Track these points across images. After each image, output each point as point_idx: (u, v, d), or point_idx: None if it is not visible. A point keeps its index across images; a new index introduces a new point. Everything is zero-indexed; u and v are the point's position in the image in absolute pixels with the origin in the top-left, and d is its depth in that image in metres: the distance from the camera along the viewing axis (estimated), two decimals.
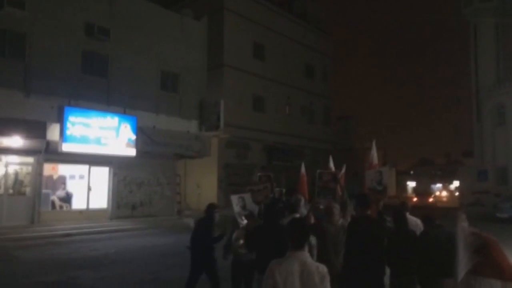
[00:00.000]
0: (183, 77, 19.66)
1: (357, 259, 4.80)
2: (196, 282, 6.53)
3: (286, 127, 28.93)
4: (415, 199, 42.44)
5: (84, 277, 8.88)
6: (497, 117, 30.10)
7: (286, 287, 2.98)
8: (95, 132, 15.76)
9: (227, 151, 25.06)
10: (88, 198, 16.83)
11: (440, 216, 5.45)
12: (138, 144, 16.90)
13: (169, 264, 10.37)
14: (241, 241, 5.89)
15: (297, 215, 6.62)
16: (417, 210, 7.43)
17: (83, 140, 15.43)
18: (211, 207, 6.71)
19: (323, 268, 3.08)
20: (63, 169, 17.27)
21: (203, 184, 25.01)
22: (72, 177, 17.38)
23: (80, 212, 16.48)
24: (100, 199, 17.23)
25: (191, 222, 18.27)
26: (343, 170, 9.85)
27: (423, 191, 58.00)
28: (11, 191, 14.98)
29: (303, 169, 10.75)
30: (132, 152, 16.79)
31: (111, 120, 16.24)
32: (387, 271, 5.13)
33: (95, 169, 17.12)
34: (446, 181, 74.35)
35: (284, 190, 9.82)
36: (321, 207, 7.77)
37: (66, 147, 14.98)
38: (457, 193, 68.32)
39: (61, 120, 14.89)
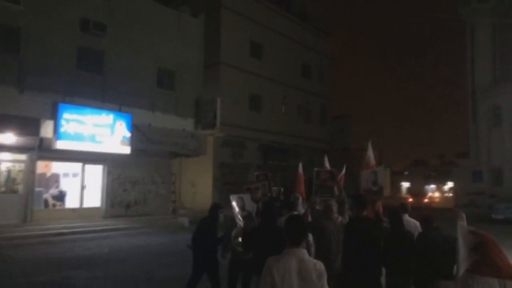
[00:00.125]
0: (180, 75, 19.49)
1: (354, 260, 4.82)
2: (198, 282, 6.47)
3: (282, 126, 28.82)
4: (410, 199, 42.54)
5: (78, 277, 8.76)
6: (492, 118, 30.19)
7: (283, 284, 2.96)
8: (90, 129, 15.55)
9: (223, 150, 24.92)
10: (81, 197, 16.64)
11: (435, 217, 5.40)
12: (133, 142, 16.71)
13: (164, 264, 10.28)
14: (240, 239, 5.88)
15: (295, 213, 6.45)
16: (412, 211, 7.38)
17: (77, 137, 15.21)
18: (216, 207, 6.68)
19: (320, 265, 3.07)
20: (57, 167, 17.09)
21: (198, 183, 24.86)
22: (66, 175, 17.20)
23: (74, 210, 16.28)
24: (94, 198, 17.03)
25: (185, 221, 18.22)
26: (343, 171, 9.81)
27: (417, 191, 58.24)
28: (3, 188, 14.76)
29: (300, 169, 10.72)
30: (127, 150, 16.59)
31: (106, 118, 16.04)
32: (383, 271, 5.17)
33: (89, 167, 16.92)
34: (440, 182, 74.81)
35: (282, 189, 9.74)
36: (318, 207, 7.77)
37: (60, 145, 14.76)
38: (450, 194, 68.86)
39: (55, 117, 14.67)
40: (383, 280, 5.18)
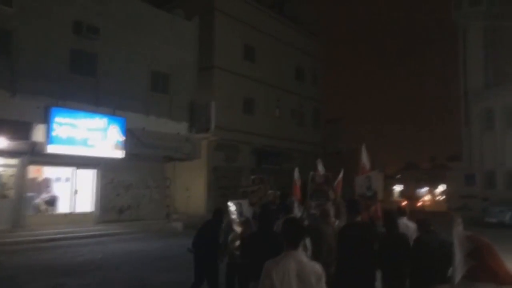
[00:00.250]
0: (174, 78, 19.35)
1: (348, 265, 4.86)
2: (200, 287, 6.43)
3: (275, 129, 28.78)
4: (404, 203, 42.70)
5: (70, 284, 8.62)
6: (485, 121, 30.36)
7: (283, 287, 2.96)
8: (83, 133, 15.36)
9: (216, 153, 24.81)
10: (74, 202, 16.42)
11: (431, 221, 5.43)
12: (127, 146, 16.54)
13: (158, 269, 10.17)
14: (237, 243, 5.90)
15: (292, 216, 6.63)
16: (409, 214, 7.40)
17: (70, 141, 15.01)
18: (220, 211, 6.72)
19: (319, 268, 3.08)
20: (49, 172, 16.86)
21: (191, 188, 24.72)
22: (58, 179, 16.98)
23: (66, 215, 16.05)
24: (86, 203, 16.82)
25: (179, 226, 18.07)
26: (341, 175, 9.79)
27: (410, 195, 58.48)
28: None
29: (296, 174, 10.66)
30: (120, 154, 16.42)
31: (99, 121, 15.86)
32: (379, 275, 5.21)
33: (82, 172, 16.71)
34: (432, 185, 75.19)
35: (278, 193, 9.70)
36: (313, 211, 7.77)
37: (52, 149, 14.55)
38: (442, 197, 69.24)
39: (47, 121, 14.47)
40: (378, 284, 5.19)
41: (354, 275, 4.81)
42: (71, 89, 15.44)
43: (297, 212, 7.62)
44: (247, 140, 26.69)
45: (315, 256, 5.45)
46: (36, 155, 14.64)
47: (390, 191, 65.41)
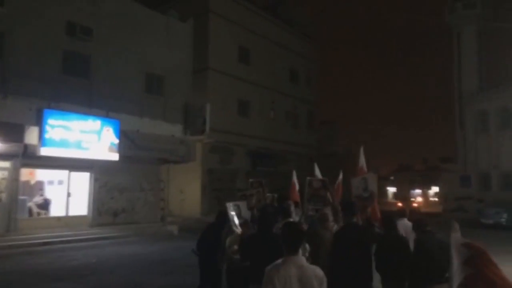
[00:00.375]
0: (168, 80, 19.18)
1: (343, 266, 4.84)
2: None
3: (270, 132, 28.72)
4: (399, 204, 42.81)
5: None
6: (479, 123, 30.53)
7: None
8: (76, 135, 15.13)
9: (211, 156, 24.70)
10: (67, 205, 16.17)
11: (427, 221, 5.42)
12: (121, 148, 16.33)
13: (154, 273, 10.03)
14: (235, 247, 5.87)
15: (291, 220, 6.59)
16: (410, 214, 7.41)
17: (63, 144, 14.78)
18: (224, 214, 6.68)
19: (319, 272, 3.09)
20: (41, 174, 16.63)
21: (186, 190, 24.58)
22: (51, 182, 16.75)
23: (59, 219, 15.80)
24: (80, 206, 16.57)
25: (175, 229, 17.91)
26: (340, 177, 9.81)
27: (404, 196, 58.68)
28: None
29: (294, 177, 10.69)
30: (114, 156, 16.19)
31: (93, 124, 15.65)
32: (377, 276, 5.21)
33: (75, 174, 16.48)
34: (425, 186, 75.60)
35: (276, 196, 9.65)
36: (311, 213, 7.78)
37: (45, 151, 14.31)
38: (436, 199, 69.55)
39: (40, 123, 14.23)
40: (378, 285, 5.22)
41: (350, 277, 4.78)
42: (64, 90, 15.23)
43: (294, 215, 7.60)
44: (242, 142, 26.61)
45: (314, 261, 5.38)
46: (29, 157, 14.40)
47: (384, 193, 65.69)
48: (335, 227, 6.31)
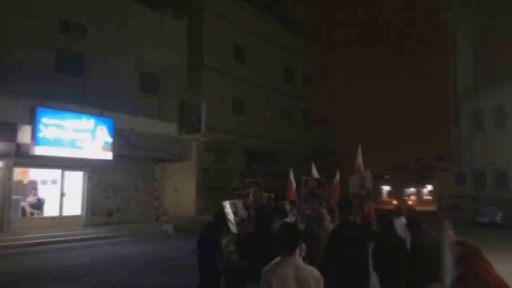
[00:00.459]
0: (163, 78, 19.02)
1: (340, 265, 4.82)
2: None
3: (266, 131, 28.64)
4: (394, 202, 43.07)
5: None
6: (474, 122, 30.63)
7: None
8: (70, 134, 14.94)
9: (206, 155, 24.59)
10: (61, 204, 15.96)
11: (422, 220, 5.35)
12: (115, 147, 16.15)
13: (150, 273, 9.93)
14: (232, 247, 5.89)
15: (287, 220, 6.72)
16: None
17: (57, 143, 14.59)
18: (222, 213, 6.65)
19: (316, 272, 3.10)
20: (35, 174, 16.43)
21: (181, 189, 24.47)
22: (44, 182, 16.55)
23: (53, 219, 15.61)
24: (74, 205, 16.38)
25: (170, 228, 17.80)
26: (337, 177, 9.81)
27: (399, 194, 58.96)
28: None
29: (291, 176, 10.69)
30: (108, 155, 16.01)
31: (86, 122, 15.46)
32: (375, 275, 5.23)
33: (69, 174, 16.29)
34: (420, 185, 75.93)
35: (273, 196, 9.66)
36: (308, 212, 7.81)
37: (38, 150, 14.12)
38: (429, 197, 69.92)
39: (33, 121, 14.02)
40: (376, 283, 5.25)
41: (347, 275, 4.77)
42: (58, 89, 15.03)
43: (290, 215, 7.62)
44: (237, 141, 26.52)
45: (310, 260, 5.45)
46: (22, 157, 14.22)
47: (378, 191, 65.94)
48: (331, 226, 6.33)
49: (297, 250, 3.30)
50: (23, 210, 15.38)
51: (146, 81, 18.43)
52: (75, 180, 16.49)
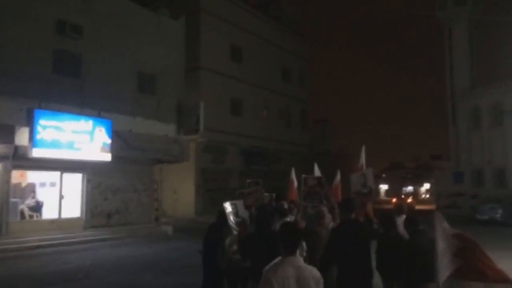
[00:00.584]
0: (161, 79, 18.91)
1: (342, 263, 4.82)
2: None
3: (263, 131, 28.58)
4: (394, 200, 43.19)
5: None
6: (472, 120, 30.69)
7: None
8: (68, 136, 14.82)
9: (204, 155, 24.53)
10: (60, 207, 15.82)
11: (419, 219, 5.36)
12: (113, 148, 16.04)
13: (150, 276, 9.85)
14: (235, 247, 5.92)
15: (287, 219, 6.73)
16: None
17: (55, 144, 14.47)
18: (224, 213, 6.64)
19: (316, 272, 3.11)
20: (33, 176, 16.27)
21: (179, 190, 24.39)
22: (43, 184, 16.41)
23: (52, 221, 15.48)
24: (73, 208, 16.25)
25: (169, 229, 17.70)
26: (338, 177, 9.80)
27: (398, 193, 59.18)
28: None
29: (293, 175, 10.67)
30: (107, 157, 15.91)
31: (84, 124, 15.35)
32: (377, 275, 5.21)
33: (68, 176, 16.15)
34: (417, 184, 76.21)
35: (274, 196, 9.63)
36: (310, 211, 7.82)
37: (36, 153, 13.99)
38: (427, 196, 70.08)
39: (30, 123, 13.89)
40: (379, 282, 5.22)
41: (349, 273, 4.74)
42: (55, 90, 14.90)
43: (290, 215, 7.65)
44: (235, 142, 26.46)
45: (310, 259, 5.48)
46: (20, 159, 14.09)
47: (376, 190, 66.27)
48: (331, 224, 6.35)
49: (298, 250, 3.29)
50: (22, 213, 15.24)
51: (144, 81, 18.32)
52: (74, 182, 16.37)
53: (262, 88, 28.98)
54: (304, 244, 5.81)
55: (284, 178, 10.80)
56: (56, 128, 14.48)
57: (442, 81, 33.89)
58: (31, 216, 15.43)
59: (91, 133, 15.47)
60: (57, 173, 15.83)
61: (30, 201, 15.58)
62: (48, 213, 15.72)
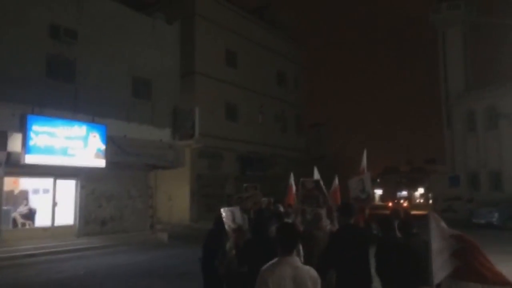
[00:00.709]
0: (156, 84, 18.75)
1: (341, 268, 4.79)
2: None
3: (259, 136, 28.48)
4: (390, 204, 43.28)
5: None
6: (467, 123, 30.77)
7: None
8: (61, 142, 14.58)
9: (200, 161, 24.34)
10: (53, 214, 15.55)
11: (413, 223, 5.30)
12: (108, 154, 15.81)
13: (146, 284, 9.63)
14: (234, 252, 5.87)
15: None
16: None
17: (48, 151, 14.23)
18: (221, 219, 6.48)
19: (314, 272, 3.09)
20: (26, 183, 15.99)
21: (174, 196, 24.16)
22: (36, 191, 16.12)
23: (45, 229, 15.22)
24: (66, 215, 15.99)
25: (165, 236, 17.46)
26: (336, 181, 9.71)
27: (393, 198, 59.28)
28: None
29: (292, 179, 10.60)
30: (101, 163, 15.67)
31: (78, 129, 15.12)
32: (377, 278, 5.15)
33: (61, 182, 15.90)
34: (411, 188, 76.39)
35: (272, 200, 9.53)
36: (308, 216, 7.73)
37: (29, 159, 13.75)
38: (421, 200, 70.17)
39: (23, 129, 13.64)
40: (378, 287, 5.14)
41: (348, 278, 4.73)
42: (48, 95, 14.70)
43: (286, 219, 7.56)
44: (231, 147, 26.31)
45: (307, 261, 5.40)
46: (13, 165, 13.84)
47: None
48: (328, 227, 6.35)
49: (295, 251, 3.27)
50: (14, 221, 14.95)
51: (139, 86, 18.15)
52: (68, 189, 16.12)
53: (257, 93, 28.91)
54: (301, 249, 5.75)
55: (280, 183, 10.70)
56: (50, 134, 14.25)
57: (437, 84, 34.07)
58: (23, 224, 15.15)
59: (85, 138, 15.24)
60: (51, 180, 15.58)
61: (22, 209, 15.30)
62: (41, 220, 15.44)
